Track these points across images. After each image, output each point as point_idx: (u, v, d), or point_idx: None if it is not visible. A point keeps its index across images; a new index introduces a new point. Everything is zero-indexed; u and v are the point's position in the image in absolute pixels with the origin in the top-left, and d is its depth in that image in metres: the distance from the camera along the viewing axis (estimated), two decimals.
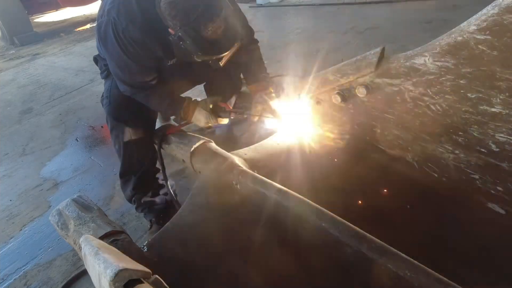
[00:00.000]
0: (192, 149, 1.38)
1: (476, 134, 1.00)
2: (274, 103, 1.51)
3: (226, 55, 1.27)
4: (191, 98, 1.52)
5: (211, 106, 1.49)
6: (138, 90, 1.43)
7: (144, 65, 1.39)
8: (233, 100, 1.87)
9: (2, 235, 1.92)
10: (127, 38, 1.28)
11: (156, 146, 1.57)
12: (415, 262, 0.80)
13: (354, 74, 1.18)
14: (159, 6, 1.18)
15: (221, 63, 1.30)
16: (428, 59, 0.98)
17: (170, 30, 1.23)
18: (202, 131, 2.05)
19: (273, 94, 1.55)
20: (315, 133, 1.45)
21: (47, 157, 2.63)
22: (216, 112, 1.49)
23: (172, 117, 2.20)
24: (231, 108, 1.50)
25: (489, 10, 0.82)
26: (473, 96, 0.95)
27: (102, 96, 1.58)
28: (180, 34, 1.17)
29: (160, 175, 1.68)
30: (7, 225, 1.99)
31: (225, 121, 1.53)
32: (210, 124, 1.50)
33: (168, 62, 1.44)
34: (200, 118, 1.49)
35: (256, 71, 1.60)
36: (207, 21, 1.13)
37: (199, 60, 1.28)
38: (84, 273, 1.52)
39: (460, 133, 1.03)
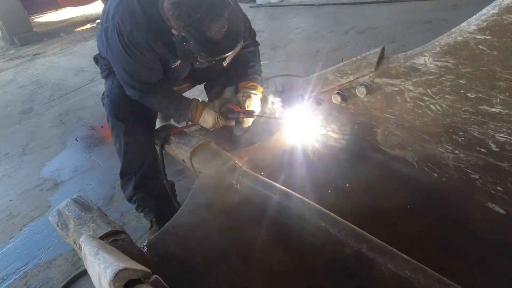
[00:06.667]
0: (192, 149, 1.38)
1: (476, 134, 1.00)
2: (259, 96, 1.52)
3: (230, 55, 1.26)
4: (198, 100, 1.52)
5: (219, 108, 1.49)
6: (145, 93, 1.43)
7: (150, 68, 1.39)
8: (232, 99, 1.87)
9: (2, 235, 1.92)
10: (132, 42, 1.29)
11: (157, 146, 1.57)
12: (415, 262, 0.80)
13: (354, 74, 1.18)
14: (162, 7, 1.18)
15: (225, 64, 1.29)
16: (428, 59, 0.98)
17: (173, 31, 1.23)
18: (201, 131, 2.05)
19: (258, 89, 1.55)
20: (315, 133, 1.45)
21: (47, 157, 2.63)
22: (224, 113, 1.49)
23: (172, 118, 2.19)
24: (239, 109, 1.50)
25: (489, 10, 0.82)
26: (473, 96, 0.95)
27: (103, 95, 1.58)
28: (183, 34, 1.16)
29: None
30: (7, 225, 1.99)
31: (233, 122, 1.52)
32: (217, 126, 1.49)
33: (172, 64, 1.44)
34: (208, 120, 1.48)
35: (250, 73, 1.59)
36: (210, 21, 1.12)
37: (203, 61, 1.27)
38: (84, 273, 1.52)
39: (460, 133, 1.03)
